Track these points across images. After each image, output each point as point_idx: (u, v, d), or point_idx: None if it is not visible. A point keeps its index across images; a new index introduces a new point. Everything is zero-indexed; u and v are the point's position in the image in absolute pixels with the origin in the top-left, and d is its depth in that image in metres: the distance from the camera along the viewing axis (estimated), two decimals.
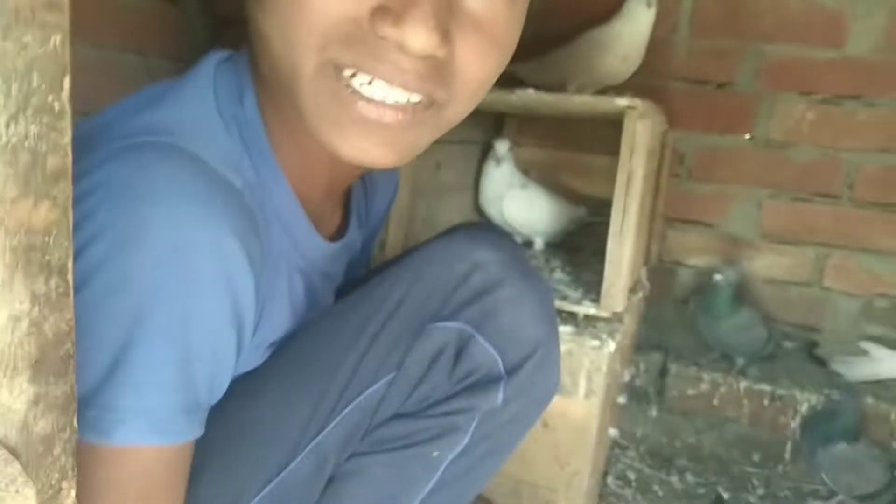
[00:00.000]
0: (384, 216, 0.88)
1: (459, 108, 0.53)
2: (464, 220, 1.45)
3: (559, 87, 1.32)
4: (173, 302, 0.43)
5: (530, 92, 1.01)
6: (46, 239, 0.32)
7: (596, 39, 1.29)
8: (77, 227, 0.39)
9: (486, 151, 1.40)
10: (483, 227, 0.85)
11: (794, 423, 1.33)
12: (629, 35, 1.28)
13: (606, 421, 1.15)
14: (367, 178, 0.77)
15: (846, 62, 1.38)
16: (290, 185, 0.56)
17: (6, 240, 0.30)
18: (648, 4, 1.25)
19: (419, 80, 0.47)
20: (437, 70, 0.48)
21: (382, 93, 0.47)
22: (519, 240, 1.44)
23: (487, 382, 0.60)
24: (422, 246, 0.64)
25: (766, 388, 1.35)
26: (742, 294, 1.40)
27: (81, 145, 0.45)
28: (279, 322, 0.59)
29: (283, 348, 0.60)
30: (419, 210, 1.24)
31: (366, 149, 0.49)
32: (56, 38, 0.30)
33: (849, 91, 1.39)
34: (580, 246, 1.49)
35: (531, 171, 1.54)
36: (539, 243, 1.41)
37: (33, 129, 0.30)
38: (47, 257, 0.32)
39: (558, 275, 1.22)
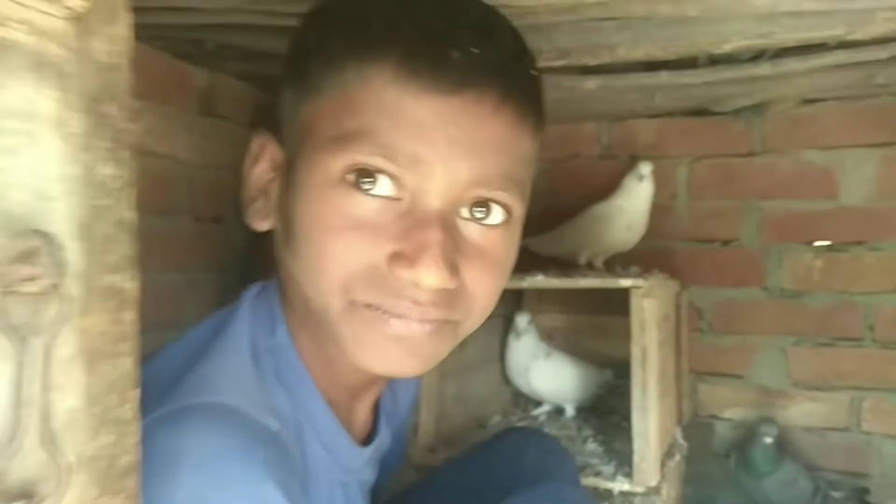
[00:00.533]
0: (410, 407, 0.91)
1: (473, 322, 0.59)
2: (491, 391, 1.48)
3: (571, 258, 1.41)
4: None
5: (540, 278, 1.09)
6: None
7: (600, 213, 1.39)
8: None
9: (508, 323, 1.47)
10: (535, 436, 0.90)
11: None
12: (630, 207, 1.37)
13: None
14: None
15: (843, 212, 1.45)
16: (325, 401, 0.61)
17: None
18: (640, 178, 1.36)
19: (435, 309, 0.54)
20: (450, 297, 0.54)
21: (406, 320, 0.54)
22: (549, 407, 1.47)
23: None
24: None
25: None
26: (782, 445, 1.38)
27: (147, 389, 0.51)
28: None
29: None
30: (448, 388, 1.28)
31: (395, 361, 0.55)
32: (127, 362, 0.38)
33: (851, 238, 1.44)
34: (611, 408, 1.50)
35: (554, 337, 1.59)
36: (570, 410, 1.44)
37: (110, 439, 0.37)
38: None
39: (591, 445, 1.24)
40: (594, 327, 1.59)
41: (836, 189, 1.46)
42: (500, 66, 0.54)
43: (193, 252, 1.15)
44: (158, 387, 0.52)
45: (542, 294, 1.61)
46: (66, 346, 0.34)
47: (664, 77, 1.14)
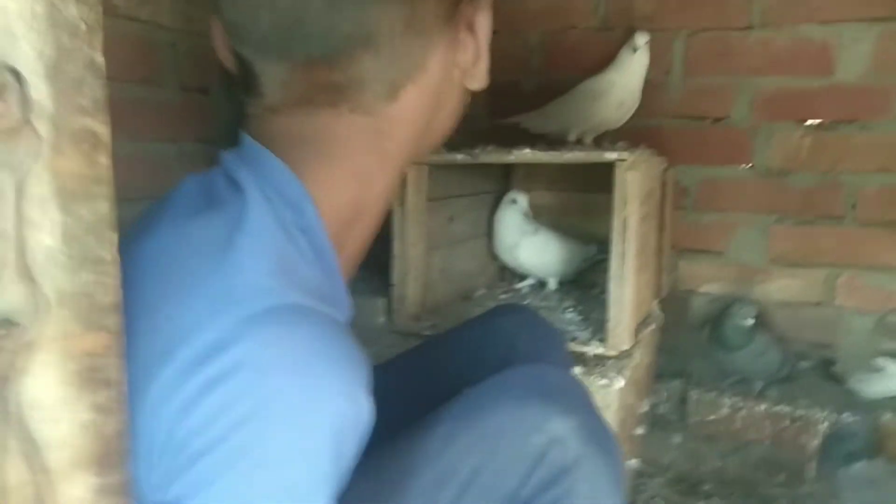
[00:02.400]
0: None
1: None
2: (478, 266, 1.52)
3: (561, 135, 1.40)
4: (325, 462, 0.45)
5: (527, 152, 1.09)
6: (103, 361, 0.40)
7: (591, 89, 1.37)
8: (230, 406, 0.42)
9: (497, 200, 1.48)
10: (527, 321, 0.89)
11: (816, 443, 1.36)
12: (623, 83, 1.35)
13: (625, 454, 1.20)
14: None
15: (837, 89, 1.43)
16: (342, 275, 0.58)
17: (73, 365, 0.39)
18: (634, 50, 1.33)
19: None
20: None
21: None
22: (533, 281, 1.51)
23: None
24: (488, 389, 0.64)
25: (785, 409, 1.39)
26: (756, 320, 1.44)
27: (186, 295, 0.46)
28: None
29: (345, 496, 0.58)
30: (435, 262, 1.32)
31: None
32: (104, 206, 0.39)
33: (843, 116, 1.43)
34: (593, 282, 1.55)
35: (542, 214, 1.61)
36: (553, 283, 1.48)
37: (90, 277, 0.39)
38: (103, 375, 0.40)
39: (569, 314, 1.28)
40: (581, 205, 1.61)
41: (832, 65, 1.43)
42: None
43: (182, 122, 1.13)
44: (201, 281, 0.47)
45: (531, 172, 1.61)
46: (40, 186, 0.35)
47: None
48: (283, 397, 0.43)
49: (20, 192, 0.34)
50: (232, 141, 0.64)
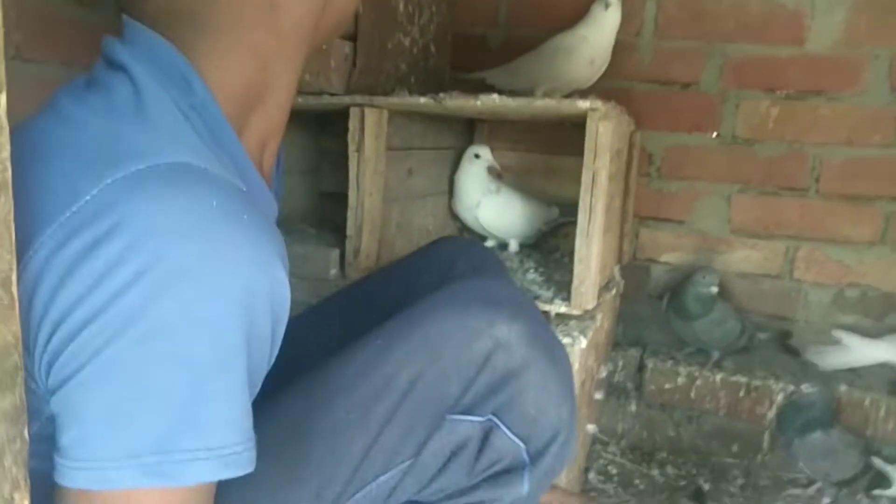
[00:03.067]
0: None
1: None
2: (437, 224, 1.46)
3: (528, 93, 1.34)
4: (233, 334, 0.41)
5: (494, 97, 1.03)
6: None
7: (562, 45, 1.31)
8: (110, 271, 0.37)
9: (459, 157, 1.42)
10: (467, 246, 0.85)
11: (771, 414, 1.35)
12: (594, 39, 1.30)
13: (584, 417, 1.17)
14: None
15: (807, 59, 1.41)
16: (248, 154, 0.53)
17: None
18: (606, 5, 1.28)
19: None
20: None
21: None
22: (493, 243, 1.46)
23: (511, 472, 0.58)
24: (429, 301, 0.60)
25: (741, 379, 1.37)
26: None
27: (65, 167, 0.42)
28: None
29: (275, 415, 0.55)
30: (392, 216, 1.25)
31: None
32: None
33: (811, 87, 1.42)
34: (554, 246, 1.51)
35: (504, 174, 1.55)
36: (514, 245, 1.43)
37: None
38: None
39: (532, 275, 1.24)
40: (545, 166, 1.56)
41: (803, 35, 1.41)
42: None
43: (75, 44, 1.03)
44: (81, 151, 0.44)
45: (494, 130, 1.55)
46: None
47: None
48: (174, 259, 0.38)
49: None
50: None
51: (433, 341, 0.56)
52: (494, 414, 0.57)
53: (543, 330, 0.60)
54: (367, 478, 0.55)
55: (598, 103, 0.98)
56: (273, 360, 0.48)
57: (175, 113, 0.48)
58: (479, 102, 1.04)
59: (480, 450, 0.57)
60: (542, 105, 1.03)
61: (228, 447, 0.41)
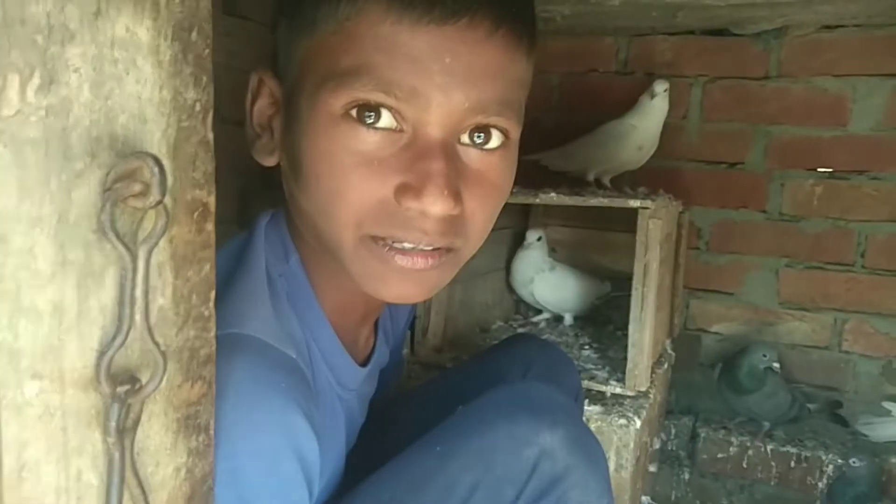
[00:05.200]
0: (406, 326, 0.95)
1: (472, 246, 0.62)
2: (495, 299, 1.56)
3: (580, 174, 1.45)
4: (262, 480, 0.52)
5: (552, 196, 1.13)
6: (198, 408, 0.44)
7: (612, 132, 1.41)
8: None
9: (516, 235, 1.52)
10: (542, 347, 0.95)
11: (822, 484, 1.39)
12: (642, 127, 1.39)
13: (639, 490, 1.23)
14: None
15: (850, 140, 1.48)
16: (331, 325, 0.65)
17: (174, 413, 0.42)
18: (653, 96, 1.37)
19: (441, 236, 0.56)
20: (454, 224, 0.57)
21: (413, 246, 0.57)
22: (549, 315, 1.55)
23: None
24: (481, 407, 0.68)
25: (792, 450, 1.42)
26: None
27: None
28: (329, 445, 0.66)
29: None
30: (456, 294, 1.35)
31: (403, 290, 0.59)
32: (206, 267, 0.43)
33: (854, 166, 1.48)
34: (607, 318, 1.58)
35: (558, 249, 1.65)
36: (568, 319, 1.51)
37: (192, 333, 0.43)
38: (198, 420, 0.44)
39: (587, 352, 1.32)
40: (597, 241, 1.65)
41: (846, 117, 1.48)
42: None
43: (218, 153, 1.17)
44: None
45: (549, 208, 1.65)
46: (160, 254, 0.39)
47: None
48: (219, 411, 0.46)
49: (148, 262, 0.37)
50: (265, 176, 0.69)
51: (487, 450, 0.64)
52: None
53: (583, 432, 0.68)
54: None
55: (648, 202, 1.07)
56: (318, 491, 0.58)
57: (262, 282, 0.60)
58: (538, 199, 1.15)
59: None
60: (595, 202, 1.12)
61: None
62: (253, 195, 1.22)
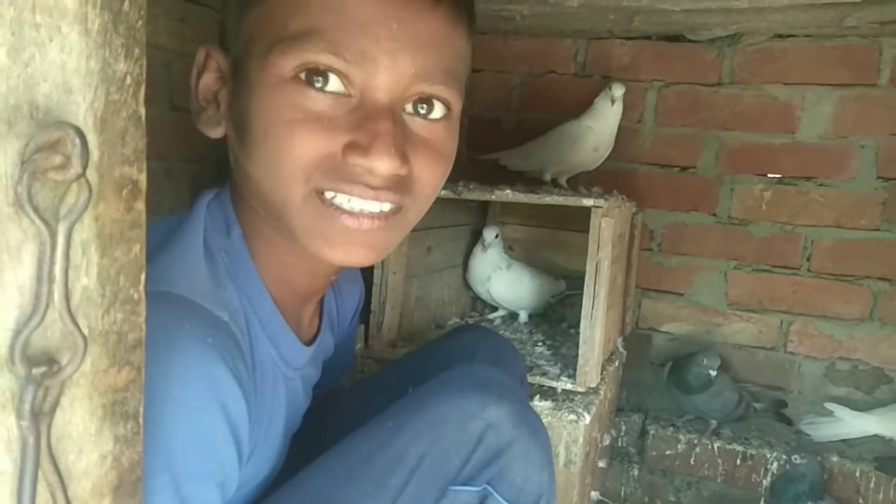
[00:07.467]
0: (354, 320, 0.95)
1: (419, 209, 0.63)
2: (452, 295, 1.56)
3: (537, 174, 1.46)
4: (185, 433, 0.51)
5: (508, 192, 1.14)
6: (126, 395, 0.42)
7: (568, 133, 1.42)
8: None
9: (474, 232, 1.52)
10: (487, 336, 0.96)
11: (766, 482, 1.42)
12: (598, 129, 1.41)
13: (588, 485, 1.24)
14: (335, 286, 0.85)
15: (798, 147, 1.52)
16: (273, 301, 0.65)
17: (100, 399, 0.41)
18: (612, 101, 1.39)
19: (388, 193, 0.58)
20: (400, 183, 0.58)
21: (360, 205, 0.57)
22: (504, 313, 1.55)
23: None
24: (431, 386, 0.71)
25: (738, 448, 1.45)
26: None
27: None
28: (269, 423, 0.67)
29: (305, 485, 0.66)
30: (412, 290, 1.34)
31: (350, 252, 0.59)
32: (136, 248, 0.42)
33: (802, 173, 1.52)
34: (561, 316, 1.60)
35: (515, 247, 1.66)
36: (523, 316, 1.52)
37: (120, 316, 0.41)
38: (126, 408, 0.42)
39: (539, 349, 1.33)
40: (553, 240, 1.66)
41: (795, 124, 1.52)
42: None
43: (171, 141, 1.15)
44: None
45: (506, 207, 1.66)
46: (84, 231, 0.38)
47: (645, 1, 1.16)
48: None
49: (68, 238, 0.36)
50: (219, 161, 0.68)
51: (436, 423, 0.67)
52: (489, 483, 0.67)
53: (526, 409, 0.71)
54: None
55: (601, 201, 1.08)
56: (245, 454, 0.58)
57: (198, 252, 0.59)
58: (494, 196, 1.15)
59: None
60: (550, 200, 1.13)
61: None
62: (206, 183, 1.20)
